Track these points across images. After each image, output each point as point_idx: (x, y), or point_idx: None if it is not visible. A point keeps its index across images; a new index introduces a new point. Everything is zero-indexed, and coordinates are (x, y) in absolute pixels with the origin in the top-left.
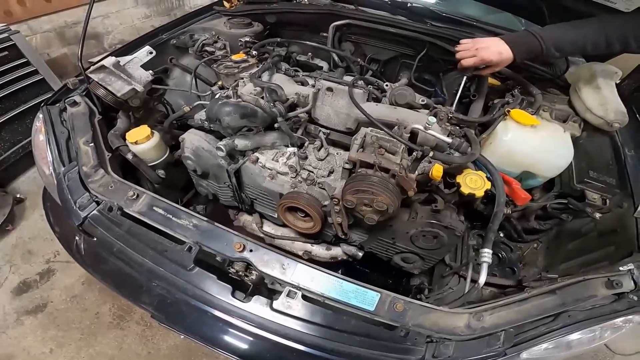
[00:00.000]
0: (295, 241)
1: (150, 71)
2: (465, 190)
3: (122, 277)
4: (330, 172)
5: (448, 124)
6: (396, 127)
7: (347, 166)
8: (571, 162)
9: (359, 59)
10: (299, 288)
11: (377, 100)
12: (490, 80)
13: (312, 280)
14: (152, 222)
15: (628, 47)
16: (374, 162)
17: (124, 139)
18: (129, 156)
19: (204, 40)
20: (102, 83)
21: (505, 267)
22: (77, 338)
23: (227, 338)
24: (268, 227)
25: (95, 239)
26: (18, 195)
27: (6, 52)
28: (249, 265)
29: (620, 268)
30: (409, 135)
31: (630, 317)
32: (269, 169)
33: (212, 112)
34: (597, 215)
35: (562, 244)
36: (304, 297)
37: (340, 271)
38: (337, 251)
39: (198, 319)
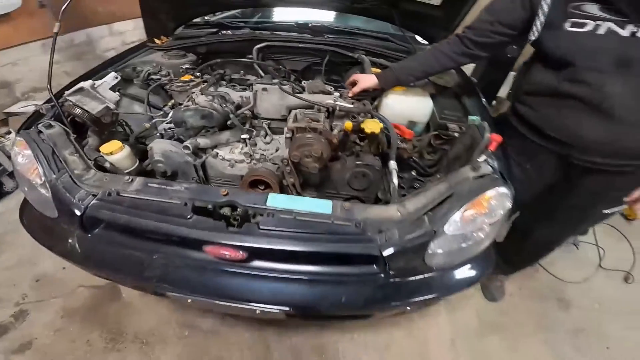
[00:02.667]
0: None
1: (117, 92)
2: (368, 130)
3: (121, 261)
4: (277, 150)
5: (350, 99)
6: (315, 106)
7: (288, 135)
8: (433, 109)
9: (280, 66)
10: (276, 210)
11: (300, 93)
12: (373, 69)
13: (285, 203)
14: (149, 195)
15: (456, 64)
16: (306, 126)
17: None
18: (107, 165)
19: (149, 70)
20: (79, 103)
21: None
22: None
23: (228, 285)
24: None
25: (89, 236)
26: None
27: None
28: (234, 207)
29: (478, 159)
30: (325, 109)
31: (495, 189)
32: (227, 160)
33: (177, 117)
34: (456, 134)
35: (451, 167)
36: (281, 217)
37: None
38: None
39: (200, 277)
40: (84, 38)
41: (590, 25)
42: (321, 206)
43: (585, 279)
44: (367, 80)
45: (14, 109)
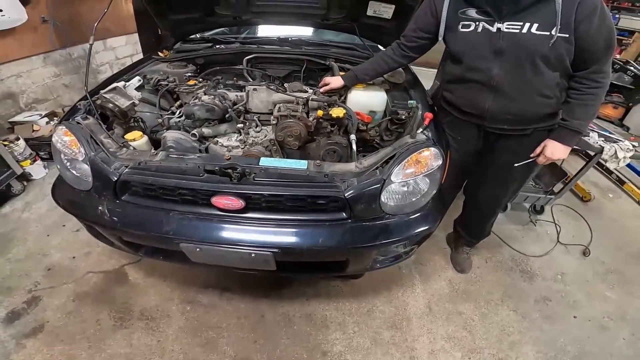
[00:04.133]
0: None
1: (140, 93)
2: (334, 115)
3: (143, 220)
4: (265, 137)
5: (321, 95)
6: (295, 100)
7: (274, 122)
8: (387, 101)
9: (266, 73)
10: (267, 167)
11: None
12: (341, 73)
13: (272, 163)
14: (171, 163)
15: (398, 64)
16: (287, 114)
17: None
18: (131, 149)
19: (158, 77)
20: (112, 99)
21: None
22: (85, 347)
23: (229, 233)
24: None
25: (117, 202)
26: None
27: None
28: (234, 168)
29: (416, 131)
30: (303, 103)
31: (428, 149)
32: (226, 146)
33: (188, 111)
34: (404, 117)
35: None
36: (270, 172)
37: None
38: None
39: (206, 227)
40: (82, 52)
41: (472, 25)
42: (299, 164)
43: (546, 253)
44: (335, 81)
45: (19, 118)
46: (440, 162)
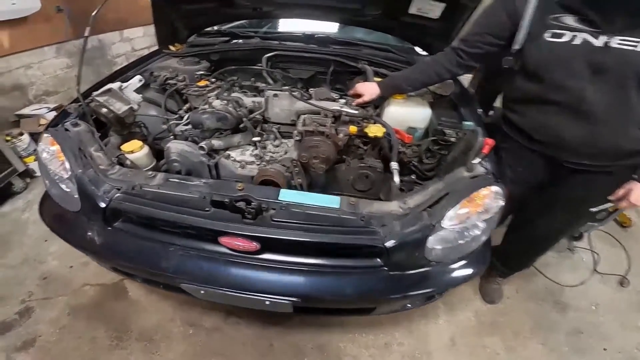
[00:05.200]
0: None
1: (140, 95)
2: (371, 134)
3: (138, 252)
4: (285, 153)
5: (353, 105)
6: (322, 111)
7: (297, 138)
8: (431, 116)
9: (290, 74)
10: (289, 204)
11: (307, 99)
12: (375, 78)
13: (296, 197)
14: (171, 189)
15: (451, 74)
16: (314, 129)
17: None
18: (127, 162)
19: (166, 75)
20: (106, 103)
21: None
22: None
23: (240, 276)
24: None
25: (109, 228)
26: None
27: None
28: (249, 201)
29: (472, 161)
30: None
31: (488, 188)
32: (239, 161)
33: (196, 119)
34: (453, 139)
35: (448, 170)
36: (292, 211)
37: None
38: None
39: (213, 268)
40: (97, 43)
41: (567, 35)
42: (329, 201)
43: (581, 283)
44: (371, 91)
45: (25, 111)
46: (501, 203)
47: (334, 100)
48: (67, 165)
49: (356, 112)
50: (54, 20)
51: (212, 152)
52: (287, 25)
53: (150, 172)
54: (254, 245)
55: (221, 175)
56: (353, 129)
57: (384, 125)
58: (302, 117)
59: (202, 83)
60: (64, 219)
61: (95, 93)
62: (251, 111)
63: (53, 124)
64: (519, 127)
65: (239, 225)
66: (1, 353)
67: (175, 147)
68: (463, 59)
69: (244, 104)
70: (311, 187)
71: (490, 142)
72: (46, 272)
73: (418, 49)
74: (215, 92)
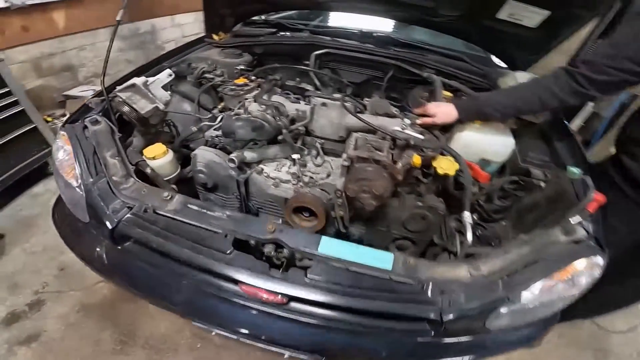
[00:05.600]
0: None
1: (169, 92)
2: (440, 171)
3: (148, 279)
4: (328, 175)
5: (418, 126)
6: (379, 132)
7: (345, 163)
8: (514, 148)
9: (344, 80)
10: (328, 258)
11: (361, 112)
12: (444, 92)
13: (338, 250)
14: (188, 218)
15: (561, 104)
16: (369, 156)
17: (141, 155)
18: (148, 170)
19: (204, 68)
20: (128, 101)
21: (483, 244)
22: None
23: (259, 324)
24: None
25: (119, 248)
26: None
27: None
28: (279, 246)
29: (571, 219)
30: (390, 136)
31: (589, 258)
32: (272, 178)
33: (227, 127)
34: (542, 184)
35: (523, 218)
36: (332, 267)
37: None
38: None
39: (229, 311)
40: (149, 28)
41: None
42: (381, 259)
43: (630, 329)
44: (446, 114)
45: (73, 92)
46: (597, 275)
47: (394, 116)
48: (78, 170)
49: (423, 137)
50: (109, 2)
51: (244, 164)
52: (341, 20)
53: (166, 194)
54: (280, 299)
55: (251, 193)
56: (417, 159)
57: (457, 159)
58: (354, 136)
59: (240, 81)
60: (74, 227)
61: (118, 88)
62: (293, 121)
63: (72, 119)
64: (636, 176)
65: (265, 276)
66: (3, 345)
67: (202, 156)
68: (584, 86)
69: (285, 111)
70: (353, 219)
71: (600, 198)
72: (64, 264)
73: (495, 59)
74: (253, 94)
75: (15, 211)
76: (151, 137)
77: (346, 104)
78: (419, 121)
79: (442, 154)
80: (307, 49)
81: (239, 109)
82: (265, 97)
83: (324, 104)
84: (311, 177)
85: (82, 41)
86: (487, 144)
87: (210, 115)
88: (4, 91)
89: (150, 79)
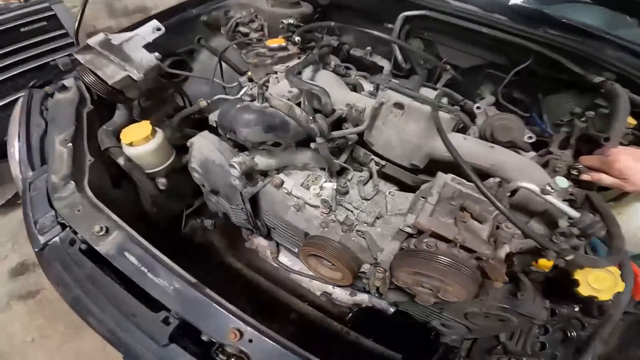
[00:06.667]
0: (314, 279)
1: (156, 53)
2: (585, 291)
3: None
4: (377, 218)
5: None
6: (492, 180)
7: (408, 230)
8: None
9: (446, 64)
10: None
11: (464, 128)
12: (629, 120)
13: None
14: (122, 268)
15: None
16: (455, 240)
17: (118, 138)
18: (121, 161)
19: (239, 18)
20: (91, 67)
21: (573, 348)
22: (61, 331)
23: None
24: (284, 258)
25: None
26: None
27: (44, 23)
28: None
29: None
30: (509, 194)
31: None
32: (295, 197)
33: (225, 119)
34: None
35: None
36: None
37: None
38: (362, 298)
39: None
40: None
41: None
42: None
43: None
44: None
45: None
46: None
47: (520, 147)
48: (16, 157)
49: (577, 215)
50: None
51: (254, 172)
52: None
53: (98, 228)
54: None
55: (261, 210)
56: (547, 263)
57: (625, 274)
58: (442, 178)
59: (274, 42)
60: None
61: (76, 49)
62: (339, 122)
63: (42, 82)
64: None
65: None
66: (4, 297)
67: (199, 150)
68: None
69: (327, 105)
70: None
71: None
72: None
73: None
74: (286, 65)
75: None
76: (148, 107)
77: (444, 114)
78: (585, 176)
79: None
80: (394, 6)
81: (256, 88)
82: (307, 72)
83: (399, 105)
84: (350, 213)
85: None
86: None
87: (236, 84)
88: (60, 33)
89: (123, 36)
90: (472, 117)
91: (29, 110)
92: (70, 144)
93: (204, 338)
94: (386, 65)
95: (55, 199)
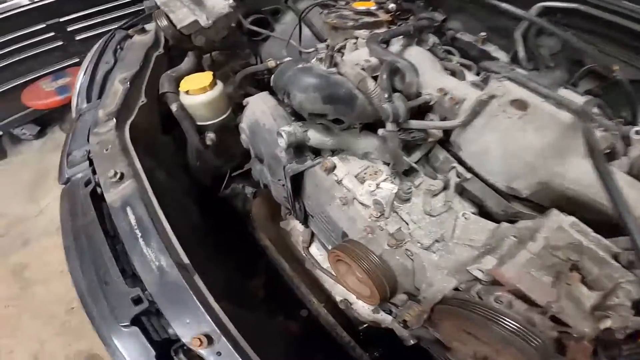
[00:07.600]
0: (339, 283)
1: (231, 1)
2: None
3: None
4: (437, 241)
5: None
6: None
7: (478, 274)
8: None
9: (614, 70)
10: None
11: (611, 156)
12: None
13: None
14: (118, 228)
15: None
16: (546, 306)
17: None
18: (173, 107)
19: None
20: (166, 9)
21: None
22: None
23: None
24: (316, 251)
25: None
26: None
27: None
28: None
29: None
30: None
31: None
32: (345, 188)
33: (281, 79)
34: None
35: None
36: None
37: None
38: (384, 318)
39: None
40: None
41: None
42: None
43: None
44: None
45: None
46: None
47: None
48: (77, 87)
49: None
50: None
51: (305, 148)
52: None
53: (113, 172)
54: None
55: (304, 192)
56: None
57: None
58: (556, 218)
59: (365, 5)
60: None
61: None
62: (424, 111)
63: (128, 24)
64: None
65: None
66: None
67: (251, 110)
68: None
69: (413, 84)
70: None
71: None
72: None
73: None
74: (372, 33)
75: None
76: (220, 60)
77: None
78: None
79: None
80: None
81: (327, 52)
82: (396, 44)
83: (519, 104)
84: (404, 225)
85: None
86: None
87: (313, 49)
88: None
89: None
90: (626, 138)
91: (104, 48)
92: (128, 84)
93: (170, 332)
94: (503, 58)
95: (93, 134)
